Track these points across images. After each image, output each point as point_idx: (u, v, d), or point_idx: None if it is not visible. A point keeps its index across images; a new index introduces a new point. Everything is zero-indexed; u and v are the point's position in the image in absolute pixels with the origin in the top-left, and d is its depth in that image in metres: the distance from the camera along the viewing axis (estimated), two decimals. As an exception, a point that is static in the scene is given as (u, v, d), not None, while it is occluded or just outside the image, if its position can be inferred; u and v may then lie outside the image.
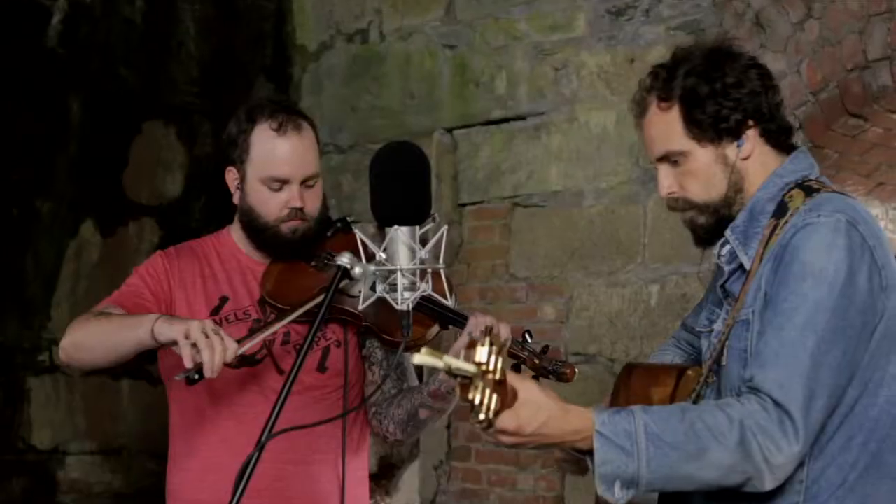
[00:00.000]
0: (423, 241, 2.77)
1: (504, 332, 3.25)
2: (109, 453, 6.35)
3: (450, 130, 6.37)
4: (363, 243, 2.81)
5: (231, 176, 3.41)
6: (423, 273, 2.76)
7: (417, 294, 2.74)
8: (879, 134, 5.18)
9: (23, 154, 6.10)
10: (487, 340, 2.23)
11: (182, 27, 6.79)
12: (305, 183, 3.32)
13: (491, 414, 2.24)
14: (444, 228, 2.79)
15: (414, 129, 6.39)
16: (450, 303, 3.12)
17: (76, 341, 3.27)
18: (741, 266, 2.74)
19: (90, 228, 6.36)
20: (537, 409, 2.41)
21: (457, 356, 2.93)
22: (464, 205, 6.29)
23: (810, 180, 2.75)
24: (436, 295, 2.88)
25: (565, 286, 5.88)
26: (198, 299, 3.39)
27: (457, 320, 3.26)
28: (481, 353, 2.22)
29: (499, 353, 2.24)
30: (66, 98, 6.28)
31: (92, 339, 3.24)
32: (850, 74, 4.94)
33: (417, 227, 2.74)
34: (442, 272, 2.87)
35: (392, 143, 2.91)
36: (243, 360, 3.14)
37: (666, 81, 2.77)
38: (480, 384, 2.21)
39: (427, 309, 3.14)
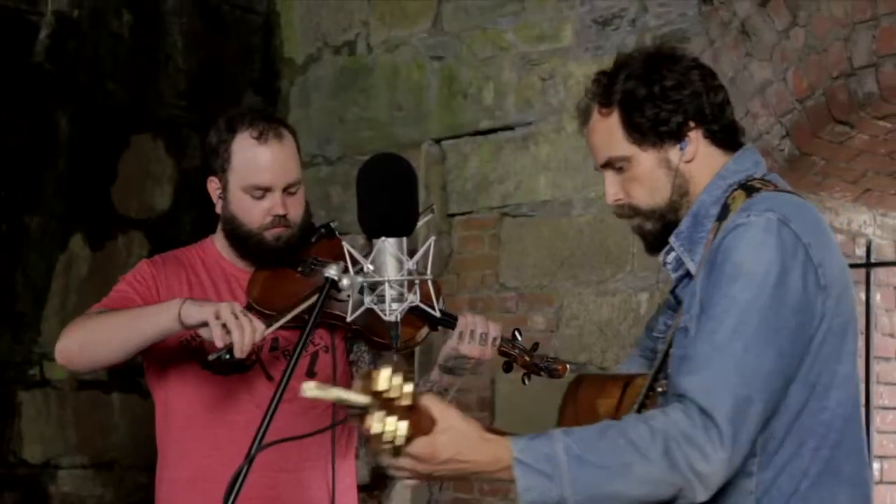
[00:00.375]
0: (411, 252, 2.78)
1: (493, 329, 3.25)
2: (101, 467, 6.35)
3: (438, 141, 6.38)
4: (350, 254, 2.81)
5: (213, 185, 3.43)
6: (412, 284, 2.77)
7: (405, 305, 2.75)
8: (866, 141, 5.20)
9: (11, 169, 6.10)
10: (389, 368, 2.17)
11: (170, 41, 6.80)
12: (287, 190, 3.33)
13: (400, 441, 2.19)
14: (432, 239, 2.80)
15: (402, 141, 6.41)
16: (437, 307, 3.12)
17: (82, 340, 3.24)
18: (688, 272, 2.69)
19: (79, 242, 6.36)
20: (455, 436, 2.32)
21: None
22: (452, 215, 6.30)
23: (754, 179, 2.69)
24: (423, 305, 2.87)
25: (555, 295, 5.89)
26: None
27: (446, 321, 3.28)
28: (381, 381, 2.15)
29: (405, 379, 2.17)
30: (54, 113, 6.28)
31: (103, 334, 3.22)
32: (836, 82, 4.96)
33: (405, 239, 2.75)
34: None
35: (378, 154, 2.91)
36: (233, 366, 3.16)
37: (606, 87, 2.75)
38: (380, 413, 2.15)
39: (418, 310, 3.11)
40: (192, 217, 6.76)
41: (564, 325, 5.82)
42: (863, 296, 5.62)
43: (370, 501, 6.24)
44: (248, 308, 3.36)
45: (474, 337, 3.26)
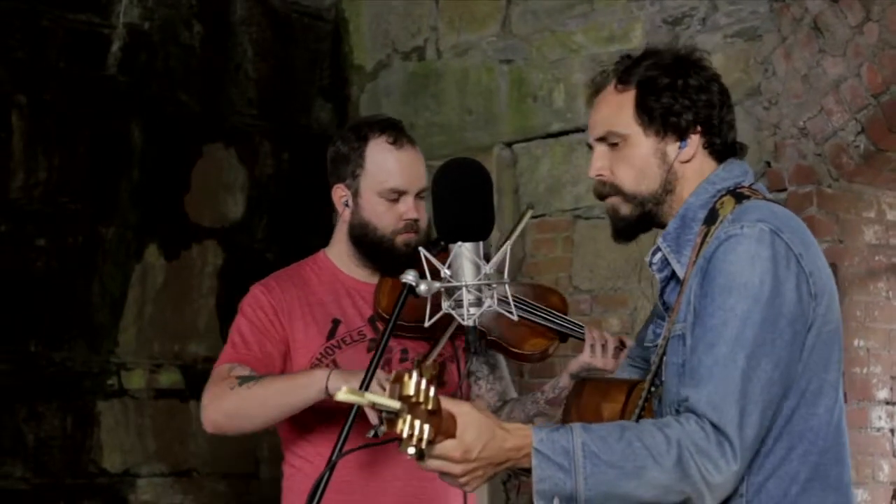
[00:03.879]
0: (487, 257, 2.77)
1: (612, 341, 3.50)
2: (180, 475, 6.38)
3: (509, 145, 6.37)
4: (427, 260, 2.81)
5: (338, 193, 3.45)
6: (488, 287, 2.76)
7: (483, 309, 2.75)
8: (943, 136, 5.15)
9: (86, 181, 6.16)
10: (416, 372, 2.24)
11: (240, 50, 6.83)
12: (419, 195, 3.37)
13: (423, 444, 2.26)
14: (508, 244, 2.79)
15: (473, 145, 6.41)
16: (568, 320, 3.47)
17: (229, 413, 3.30)
18: (674, 274, 2.73)
19: (154, 252, 6.41)
20: (479, 430, 2.38)
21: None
22: (525, 218, 6.28)
23: (742, 187, 2.73)
24: (556, 312, 3.29)
25: (629, 297, 5.87)
26: (310, 327, 3.41)
27: (577, 334, 3.47)
28: (410, 386, 2.23)
29: (430, 383, 2.25)
30: (128, 124, 6.33)
31: (250, 409, 3.27)
32: (912, 76, 4.92)
33: (481, 243, 2.75)
34: (508, 286, 2.87)
35: (453, 159, 2.92)
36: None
37: (629, 68, 2.78)
38: (408, 417, 2.23)
39: (550, 322, 3.43)
40: (264, 224, 6.80)
41: (639, 327, 5.78)
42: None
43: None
44: (375, 318, 3.37)
45: (606, 350, 3.45)
